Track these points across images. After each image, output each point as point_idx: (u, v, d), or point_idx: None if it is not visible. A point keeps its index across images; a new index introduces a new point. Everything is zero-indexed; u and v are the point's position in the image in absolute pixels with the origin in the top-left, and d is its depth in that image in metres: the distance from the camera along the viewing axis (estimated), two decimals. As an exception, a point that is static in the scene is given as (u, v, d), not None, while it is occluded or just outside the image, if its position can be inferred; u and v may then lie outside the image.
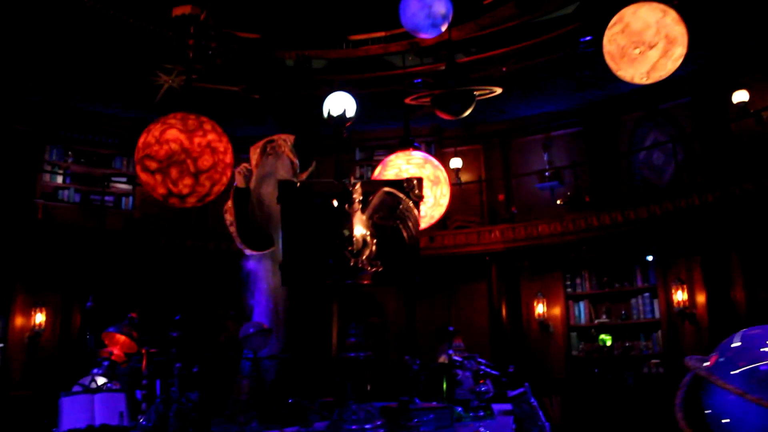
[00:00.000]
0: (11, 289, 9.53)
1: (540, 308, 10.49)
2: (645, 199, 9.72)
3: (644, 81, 4.50)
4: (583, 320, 10.42)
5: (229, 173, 6.14)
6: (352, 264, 3.79)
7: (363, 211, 3.95)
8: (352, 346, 3.82)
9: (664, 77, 4.53)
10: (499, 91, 6.40)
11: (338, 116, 4.34)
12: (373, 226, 3.96)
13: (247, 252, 4.97)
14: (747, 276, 9.02)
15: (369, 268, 3.84)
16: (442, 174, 7.04)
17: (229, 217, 5.09)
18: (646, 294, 9.91)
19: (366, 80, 10.36)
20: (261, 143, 5.33)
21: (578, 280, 10.52)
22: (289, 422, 3.74)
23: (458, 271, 10.76)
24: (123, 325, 4.63)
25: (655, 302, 9.79)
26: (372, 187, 4.10)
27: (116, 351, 4.44)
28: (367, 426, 3.67)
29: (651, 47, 4.42)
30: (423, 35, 6.22)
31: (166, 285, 9.93)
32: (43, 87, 9.92)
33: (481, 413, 3.58)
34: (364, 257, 3.86)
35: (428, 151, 11.44)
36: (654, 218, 9.29)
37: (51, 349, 9.66)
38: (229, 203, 5.12)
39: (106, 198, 10.52)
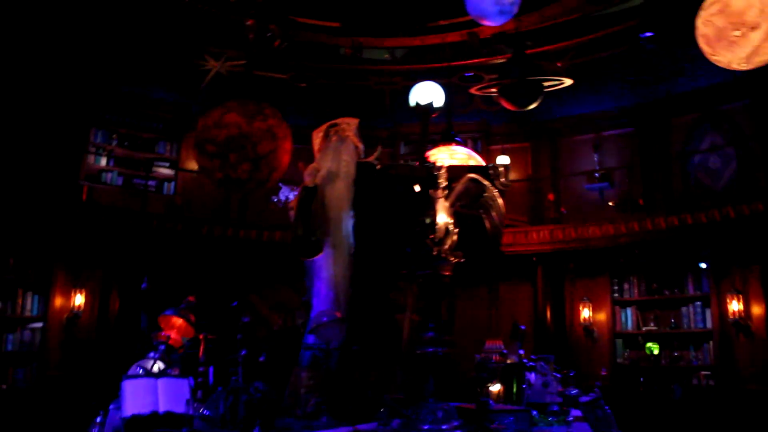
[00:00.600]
0: (51, 269, 9.46)
1: (585, 312, 10.19)
2: (702, 204, 9.38)
3: (743, 67, 4.18)
4: (629, 327, 10.10)
5: (287, 160, 5.93)
6: (434, 254, 3.57)
7: (446, 198, 3.74)
8: (430, 341, 3.61)
9: (766, 62, 4.20)
10: (569, 82, 6.14)
11: (426, 106, 4.10)
12: (455, 214, 3.74)
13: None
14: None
15: (452, 259, 3.63)
16: (486, 170, 6.81)
17: (294, 215, 4.89)
18: (698, 303, 9.55)
19: (415, 71, 10.12)
20: (324, 127, 5.12)
21: (626, 286, 10.20)
22: (361, 418, 3.53)
23: (502, 271, 10.48)
24: (180, 308, 4.45)
25: (708, 312, 9.43)
26: (454, 173, 3.89)
27: (173, 335, 4.27)
28: (443, 426, 3.45)
29: (753, 29, 4.09)
30: (488, 22, 5.96)
31: (208, 272, 9.82)
32: (89, 68, 9.83)
33: (570, 418, 3.34)
34: (446, 247, 3.64)
35: (475, 148, 11.21)
36: (713, 223, 8.93)
37: (89, 331, 9.59)
38: (295, 201, 4.92)
39: (149, 183, 10.42)
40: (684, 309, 9.67)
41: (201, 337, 4.21)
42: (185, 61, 9.49)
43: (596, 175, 10.74)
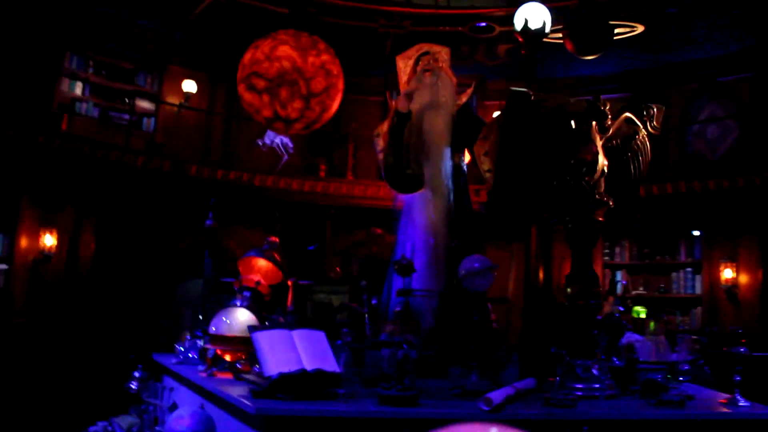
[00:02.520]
0: (18, 205, 8.56)
1: (576, 275, 10.16)
2: (697, 173, 9.48)
3: None
4: (619, 290, 10.16)
5: (339, 100, 5.46)
6: (596, 196, 3.26)
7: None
8: (581, 293, 3.31)
9: None
10: (641, 29, 5.86)
11: (537, 30, 3.71)
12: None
13: (396, 193, 4.34)
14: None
15: (610, 202, 3.32)
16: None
17: (381, 143, 4.42)
18: (689, 269, 9.70)
19: (420, 16, 9.62)
20: (412, 54, 4.65)
21: (617, 249, 10.24)
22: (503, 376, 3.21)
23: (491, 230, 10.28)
24: (264, 249, 3.95)
25: (698, 278, 9.61)
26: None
27: (261, 280, 3.78)
28: (596, 385, 3.19)
29: None
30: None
31: (186, 215, 9.15)
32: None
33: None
34: (601, 189, 3.33)
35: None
36: (707, 193, 9.08)
37: (58, 275, 8.77)
38: (384, 127, 4.44)
39: (126, 117, 9.55)
40: (674, 274, 9.81)
41: (290, 282, 3.74)
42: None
43: (592, 138, 10.64)
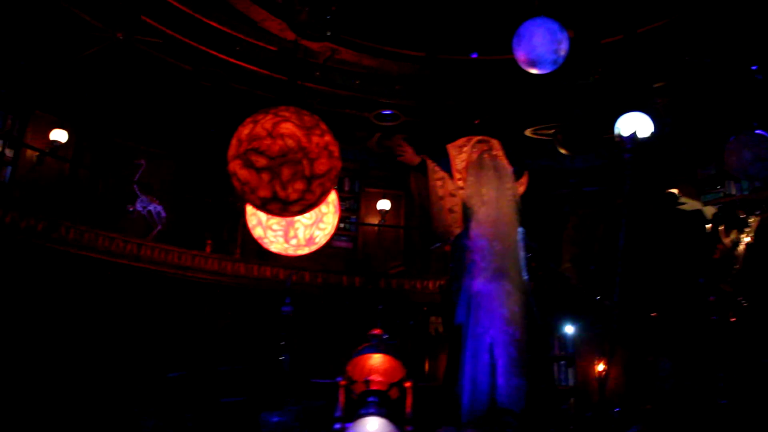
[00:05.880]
0: None
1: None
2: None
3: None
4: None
5: (336, 182, 5.19)
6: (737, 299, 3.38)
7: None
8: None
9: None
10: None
11: (645, 138, 3.90)
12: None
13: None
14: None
15: (744, 303, 3.46)
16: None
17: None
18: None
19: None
20: (464, 143, 4.52)
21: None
22: None
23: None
24: (374, 343, 3.33)
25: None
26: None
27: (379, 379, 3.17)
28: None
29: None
30: (539, 69, 5.90)
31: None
32: None
33: None
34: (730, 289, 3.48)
35: (352, 187, 11.09)
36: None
37: None
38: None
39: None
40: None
41: (408, 384, 3.21)
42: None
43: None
